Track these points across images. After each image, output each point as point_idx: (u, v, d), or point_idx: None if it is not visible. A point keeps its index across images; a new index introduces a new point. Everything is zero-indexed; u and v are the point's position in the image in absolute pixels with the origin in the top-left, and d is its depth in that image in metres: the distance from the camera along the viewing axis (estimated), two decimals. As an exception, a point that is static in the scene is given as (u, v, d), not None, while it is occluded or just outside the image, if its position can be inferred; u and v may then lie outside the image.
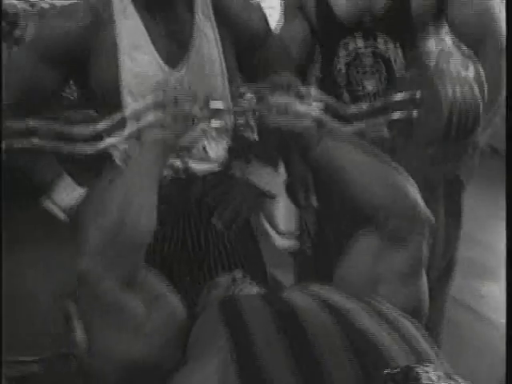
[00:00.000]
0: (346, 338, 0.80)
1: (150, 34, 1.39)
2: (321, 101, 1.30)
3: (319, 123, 1.24)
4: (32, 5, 6.59)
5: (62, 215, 1.47)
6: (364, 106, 1.41)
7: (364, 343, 0.80)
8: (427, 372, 0.67)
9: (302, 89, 1.25)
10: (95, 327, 0.92)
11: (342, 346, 0.79)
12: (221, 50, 1.45)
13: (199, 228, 1.51)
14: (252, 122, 1.31)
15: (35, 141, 1.43)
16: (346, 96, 1.76)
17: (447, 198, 1.83)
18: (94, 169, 1.48)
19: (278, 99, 1.20)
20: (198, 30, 1.42)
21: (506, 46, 1.60)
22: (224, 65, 1.46)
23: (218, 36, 1.45)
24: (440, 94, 1.23)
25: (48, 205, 1.47)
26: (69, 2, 1.42)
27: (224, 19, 1.46)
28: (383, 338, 0.81)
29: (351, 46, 1.71)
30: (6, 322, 1.42)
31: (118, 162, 1.47)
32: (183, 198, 1.49)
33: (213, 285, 1.19)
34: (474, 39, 1.64)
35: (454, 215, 1.86)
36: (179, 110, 1.17)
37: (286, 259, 2.58)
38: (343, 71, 1.75)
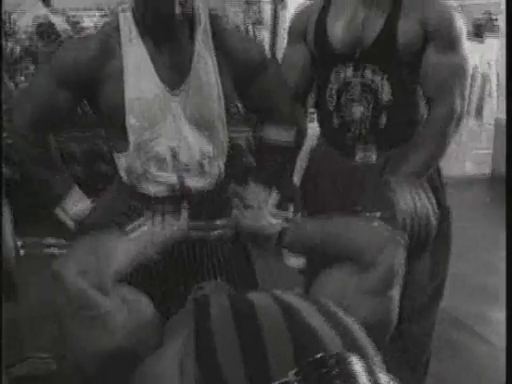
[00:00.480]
0: (291, 329, 0.90)
1: (153, 61, 1.54)
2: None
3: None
4: (74, 23, 6.87)
5: (70, 223, 1.62)
6: None
7: (307, 335, 0.89)
8: (356, 363, 0.77)
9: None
10: (69, 325, 1.04)
11: (287, 337, 0.89)
12: (219, 76, 1.59)
13: (193, 245, 1.62)
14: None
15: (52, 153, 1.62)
16: (335, 120, 1.89)
17: None
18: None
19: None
20: (197, 57, 1.57)
21: (506, 46, 1.73)
22: (221, 90, 1.60)
23: (216, 64, 1.59)
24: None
25: (59, 213, 1.63)
26: (84, 35, 1.60)
27: (223, 49, 1.61)
28: (325, 332, 0.91)
29: (342, 75, 1.84)
30: (24, 324, 1.57)
31: (122, 174, 1.62)
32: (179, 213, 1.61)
33: (197, 288, 1.31)
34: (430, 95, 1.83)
35: (442, 240, 1.94)
36: None
37: (297, 278, 2.68)
38: (334, 97, 1.87)
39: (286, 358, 0.82)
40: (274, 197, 1.76)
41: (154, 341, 1.02)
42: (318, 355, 0.77)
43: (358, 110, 1.85)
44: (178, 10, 1.46)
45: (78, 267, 1.04)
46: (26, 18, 7.17)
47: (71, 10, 7.22)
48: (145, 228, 1.35)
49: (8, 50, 6.60)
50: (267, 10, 6.40)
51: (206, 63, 1.57)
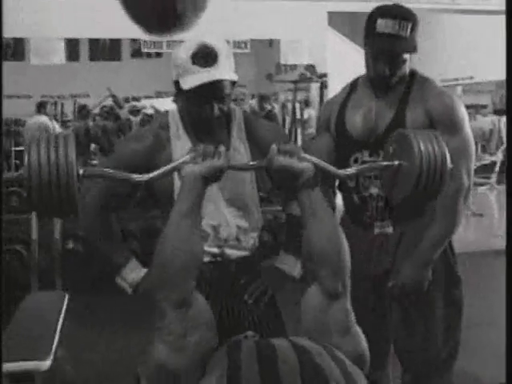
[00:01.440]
0: (303, 369, 1.13)
1: None
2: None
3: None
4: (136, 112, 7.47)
5: (129, 290, 1.91)
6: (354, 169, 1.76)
7: (314, 372, 1.14)
8: None
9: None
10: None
11: (299, 374, 1.14)
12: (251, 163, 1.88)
13: (233, 303, 1.89)
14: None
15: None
16: (355, 197, 2.15)
17: (446, 292, 2.14)
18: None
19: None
20: (233, 149, 1.87)
21: (506, 46, 1.97)
22: (254, 174, 1.89)
23: (249, 153, 1.89)
24: (413, 147, 1.49)
25: (119, 281, 1.92)
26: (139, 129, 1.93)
27: (253, 138, 1.90)
28: (330, 369, 1.14)
29: (359, 160, 2.12)
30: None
31: None
32: (220, 277, 1.89)
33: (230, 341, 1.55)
34: None
35: (454, 306, 2.16)
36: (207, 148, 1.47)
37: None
38: (353, 178, 2.14)
39: None
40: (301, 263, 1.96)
41: (198, 373, 1.26)
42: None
43: (374, 188, 2.11)
44: (216, 113, 1.75)
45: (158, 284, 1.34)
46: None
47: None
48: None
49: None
50: (314, 90, 6.82)
51: (240, 153, 1.87)
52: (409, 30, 1.97)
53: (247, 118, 1.92)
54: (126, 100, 10.99)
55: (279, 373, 1.13)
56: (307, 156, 1.51)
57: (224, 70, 1.72)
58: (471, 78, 8.98)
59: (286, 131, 9.28)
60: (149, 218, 4.15)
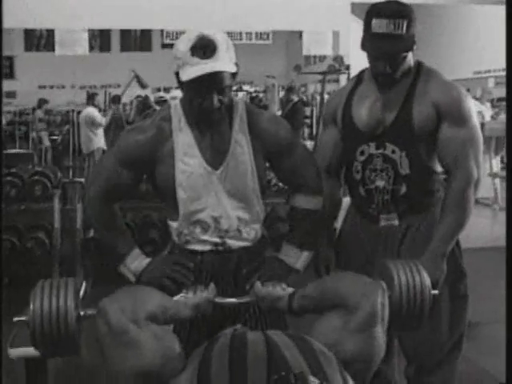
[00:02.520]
0: (269, 358, 1.14)
1: (198, 145, 1.86)
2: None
3: None
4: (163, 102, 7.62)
5: (132, 277, 1.94)
6: None
7: (279, 362, 1.14)
8: (314, 381, 0.99)
9: None
10: (108, 347, 1.33)
11: (264, 364, 1.15)
12: (252, 156, 1.88)
13: (234, 292, 1.89)
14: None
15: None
16: (361, 190, 2.15)
17: (452, 286, 2.14)
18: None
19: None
20: (234, 141, 1.87)
21: (506, 47, 1.95)
22: (255, 167, 1.89)
23: (250, 145, 1.89)
24: (394, 279, 1.51)
25: (122, 269, 1.95)
26: (142, 122, 1.96)
27: (255, 131, 1.90)
28: (294, 360, 1.14)
29: (366, 152, 2.11)
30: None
31: (174, 237, 1.94)
32: (222, 267, 1.91)
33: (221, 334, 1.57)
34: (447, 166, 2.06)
35: (459, 301, 2.17)
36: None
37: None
38: (360, 169, 2.15)
39: (261, 379, 1.08)
40: (305, 255, 1.99)
41: (176, 366, 1.30)
42: (282, 373, 1.02)
43: (380, 181, 2.10)
44: (216, 104, 1.76)
45: (118, 305, 1.35)
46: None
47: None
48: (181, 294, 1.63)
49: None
50: (344, 81, 6.79)
51: (241, 146, 1.87)
52: (404, 27, 1.95)
53: (249, 111, 1.92)
54: (158, 90, 11.11)
55: (247, 365, 1.15)
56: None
57: (223, 62, 1.73)
58: (504, 69, 8.80)
59: (315, 122, 9.29)
60: (145, 208, 4.19)
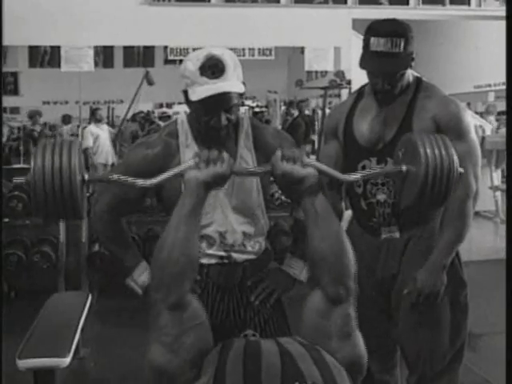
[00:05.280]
0: (284, 372, 1.19)
1: None
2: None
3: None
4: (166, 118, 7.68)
5: (139, 290, 1.97)
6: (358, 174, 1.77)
7: (293, 372, 1.19)
8: None
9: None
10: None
11: (278, 373, 1.20)
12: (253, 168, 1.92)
13: (240, 304, 1.94)
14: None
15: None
16: (363, 203, 2.20)
17: (453, 296, 2.17)
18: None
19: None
20: (240, 157, 1.92)
21: (506, 47, 1.99)
22: (260, 182, 1.94)
23: (255, 161, 1.93)
24: (419, 152, 1.49)
25: (129, 282, 1.99)
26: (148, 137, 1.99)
27: (260, 146, 1.94)
28: (309, 371, 1.20)
29: (367, 166, 2.16)
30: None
31: None
32: (227, 279, 1.94)
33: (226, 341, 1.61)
34: None
35: (460, 311, 2.20)
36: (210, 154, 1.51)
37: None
38: (361, 183, 2.19)
39: None
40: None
41: (193, 373, 1.31)
42: (296, 383, 1.07)
43: (381, 194, 2.15)
44: (224, 122, 1.79)
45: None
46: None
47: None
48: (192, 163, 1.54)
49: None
50: (345, 96, 6.85)
51: (246, 162, 1.91)
52: (402, 45, 1.99)
53: (254, 126, 1.96)
54: (160, 105, 11.18)
55: (261, 374, 1.19)
56: (310, 162, 1.52)
57: (231, 82, 1.76)
58: (504, 83, 8.88)
59: (316, 136, 9.34)
60: (150, 222, 4.24)
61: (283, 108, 10.81)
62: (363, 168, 2.17)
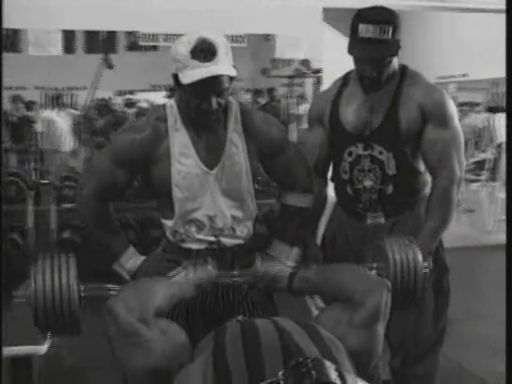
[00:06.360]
0: (283, 345, 1.20)
1: (194, 145, 1.88)
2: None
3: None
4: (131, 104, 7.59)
5: (126, 276, 1.95)
6: None
7: (293, 349, 1.19)
8: (330, 366, 1.01)
9: None
10: (117, 348, 1.34)
11: (279, 351, 1.20)
12: (247, 156, 1.93)
13: (229, 287, 1.94)
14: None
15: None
16: (349, 189, 2.22)
17: (436, 281, 2.23)
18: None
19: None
20: (229, 141, 1.91)
21: (506, 47, 2.03)
22: (249, 167, 1.94)
23: (245, 145, 1.93)
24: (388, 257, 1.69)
25: (116, 268, 1.97)
26: (135, 121, 1.97)
27: (249, 130, 1.94)
28: (307, 347, 1.20)
29: (354, 153, 2.18)
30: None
31: (168, 235, 1.97)
32: (217, 265, 1.93)
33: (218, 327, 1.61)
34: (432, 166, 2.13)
35: (442, 295, 2.26)
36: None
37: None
38: (347, 170, 2.21)
39: (277, 364, 1.13)
40: (295, 252, 2.04)
41: (184, 359, 1.33)
42: (300, 359, 1.05)
43: (368, 181, 2.17)
44: (214, 106, 1.79)
45: (126, 304, 1.36)
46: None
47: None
48: (182, 273, 1.69)
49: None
50: (310, 85, 6.88)
51: (236, 146, 1.91)
52: (390, 32, 2.01)
53: (243, 111, 1.96)
54: (121, 93, 11.01)
55: (262, 351, 1.20)
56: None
57: (223, 65, 1.75)
58: (464, 75, 9.04)
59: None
60: (145, 208, 4.22)
61: (247, 97, 10.77)
62: (350, 154, 2.18)
